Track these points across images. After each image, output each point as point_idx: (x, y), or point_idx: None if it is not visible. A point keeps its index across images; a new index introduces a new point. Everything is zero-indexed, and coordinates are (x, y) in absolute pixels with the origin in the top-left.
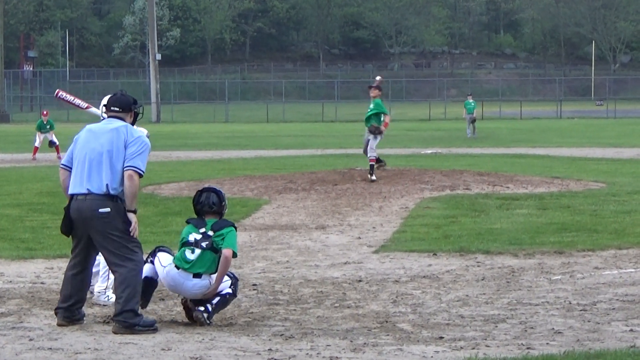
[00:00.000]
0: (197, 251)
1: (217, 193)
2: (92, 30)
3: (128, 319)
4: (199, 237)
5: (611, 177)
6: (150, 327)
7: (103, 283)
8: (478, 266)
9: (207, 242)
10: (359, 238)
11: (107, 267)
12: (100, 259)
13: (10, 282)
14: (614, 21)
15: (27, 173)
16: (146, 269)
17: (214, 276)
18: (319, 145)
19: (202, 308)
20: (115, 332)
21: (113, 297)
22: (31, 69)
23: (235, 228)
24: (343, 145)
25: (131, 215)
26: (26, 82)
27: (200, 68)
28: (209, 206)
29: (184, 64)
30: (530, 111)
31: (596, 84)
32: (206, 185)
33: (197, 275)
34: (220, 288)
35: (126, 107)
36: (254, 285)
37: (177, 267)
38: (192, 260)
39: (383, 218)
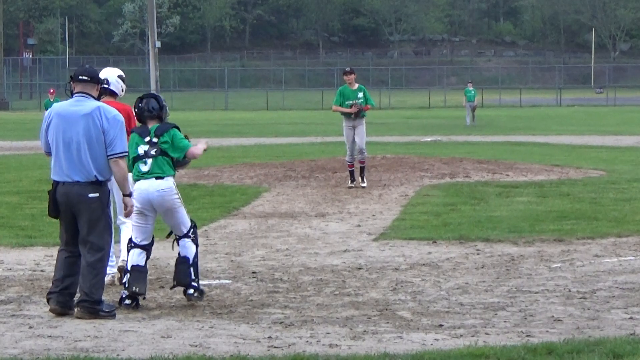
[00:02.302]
0: (149, 161)
1: (156, 98)
2: (91, 17)
3: (94, 306)
4: (146, 147)
5: (611, 164)
6: (110, 312)
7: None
8: (478, 254)
9: (155, 149)
10: (359, 226)
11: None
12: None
13: (10, 269)
14: (614, 9)
15: (27, 160)
16: (134, 257)
17: (171, 178)
18: (318, 132)
19: (191, 291)
20: (79, 317)
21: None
22: (30, 56)
23: (177, 127)
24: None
25: (127, 199)
26: (25, 69)
27: (200, 56)
28: (148, 111)
29: (183, 51)
30: (530, 99)
31: (596, 71)
32: (150, 92)
33: (159, 178)
34: (187, 254)
35: (94, 77)
36: (253, 273)
37: (138, 180)
38: (148, 170)
39: (383, 206)
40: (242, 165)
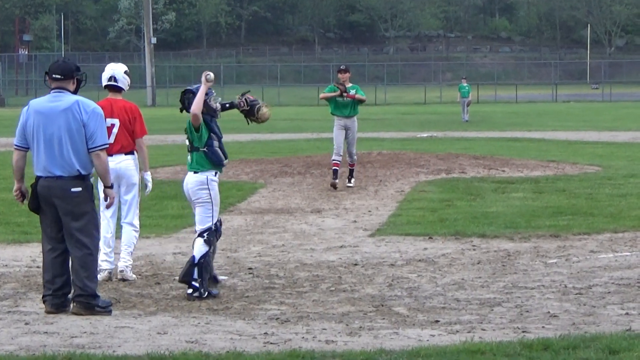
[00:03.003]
0: (189, 155)
1: (194, 93)
2: (87, 13)
3: (89, 300)
4: (187, 142)
5: (606, 160)
6: (106, 308)
7: (129, 257)
8: (474, 250)
9: (189, 146)
10: (355, 222)
11: (130, 243)
12: (124, 234)
13: (6, 266)
14: (610, 4)
15: None
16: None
17: (207, 173)
18: (314, 129)
19: (190, 290)
20: (75, 313)
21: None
22: (26, 52)
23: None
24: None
25: (108, 191)
26: (21, 66)
27: (196, 52)
28: (190, 106)
29: (179, 47)
30: (525, 95)
31: (592, 67)
32: (188, 87)
33: (196, 172)
34: (195, 254)
35: (68, 74)
36: (249, 269)
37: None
38: (190, 163)
39: (379, 201)
40: (238, 161)
